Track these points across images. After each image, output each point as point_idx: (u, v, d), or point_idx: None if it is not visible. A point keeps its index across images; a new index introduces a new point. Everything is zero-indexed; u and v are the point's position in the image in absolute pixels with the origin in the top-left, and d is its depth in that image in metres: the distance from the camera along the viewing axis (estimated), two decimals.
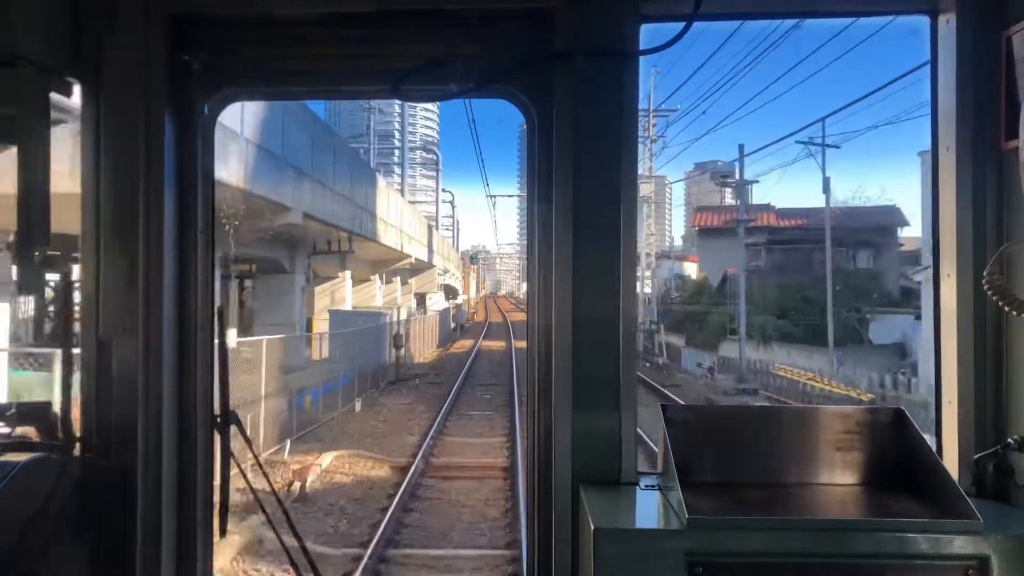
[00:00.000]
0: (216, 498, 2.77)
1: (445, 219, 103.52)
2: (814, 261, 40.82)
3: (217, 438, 2.74)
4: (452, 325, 64.99)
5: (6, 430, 2.44)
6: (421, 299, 62.13)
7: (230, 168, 16.49)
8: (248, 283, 30.52)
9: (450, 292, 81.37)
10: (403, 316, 43.72)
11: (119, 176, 2.57)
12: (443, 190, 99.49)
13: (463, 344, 50.71)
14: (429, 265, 58.11)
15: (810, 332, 31.61)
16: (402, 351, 31.43)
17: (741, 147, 34.16)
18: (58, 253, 2.52)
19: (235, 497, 3.05)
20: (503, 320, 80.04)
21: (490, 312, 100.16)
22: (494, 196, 51.94)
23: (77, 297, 2.58)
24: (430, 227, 58.19)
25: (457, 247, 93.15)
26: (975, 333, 2.45)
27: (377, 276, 48.04)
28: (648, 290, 45.62)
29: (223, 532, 2.73)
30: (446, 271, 71.27)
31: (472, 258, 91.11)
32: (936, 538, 2.03)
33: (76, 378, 2.55)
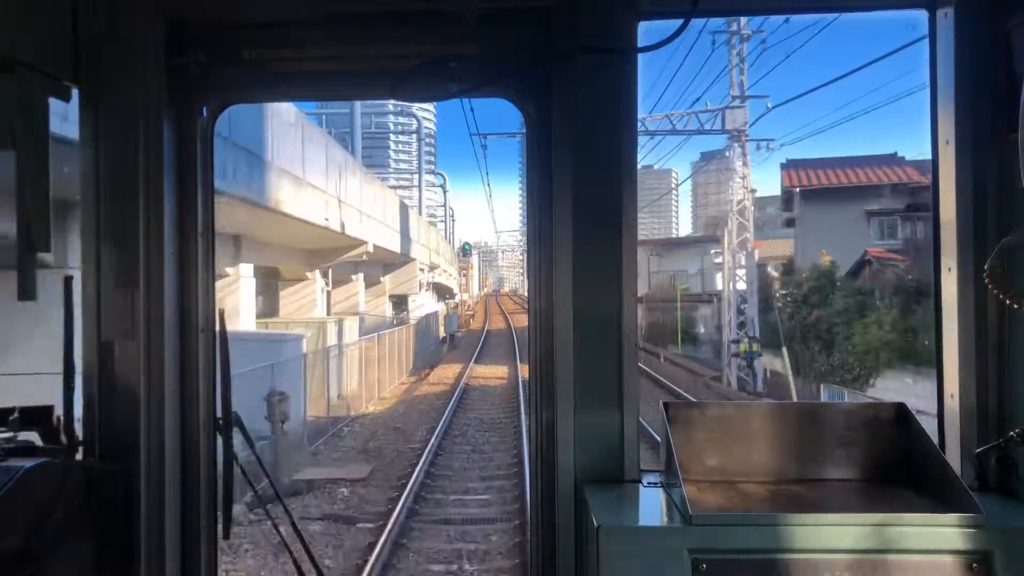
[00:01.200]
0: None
1: (439, 209, 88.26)
2: None
3: (219, 440, 2.80)
4: (441, 335, 50.33)
5: (9, 434, 2.45)
6: (402, 302, 47.71)
7: None
8: None
9: (443, 292, 67.03)
10: (351, 334, 28.30)
11: (119, 180, 2.63)
12: (434, 172, 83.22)
13: (445, 372, 34.32)
14: (407, 258, 43.46)
15: None
16: (285, 424, 15.09)
17: None
18: None
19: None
20: (506, 326, 64.10)
21: (490, 314, 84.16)
22: (484, 135, 36.71)
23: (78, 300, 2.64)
24: (405, 207, 43.10)
25: (452, 241, 77.40)
26: (976, 326, 2.49)
27: (318, 273, 32.84)
28: (742, 286, 28.92)
29: (227, 534, 2.81)
30: (434, 267, 56.37)
31: (465, 247, 75.08)
32: (939, 532, 2.07)
33: (78, 382, 2.60)
